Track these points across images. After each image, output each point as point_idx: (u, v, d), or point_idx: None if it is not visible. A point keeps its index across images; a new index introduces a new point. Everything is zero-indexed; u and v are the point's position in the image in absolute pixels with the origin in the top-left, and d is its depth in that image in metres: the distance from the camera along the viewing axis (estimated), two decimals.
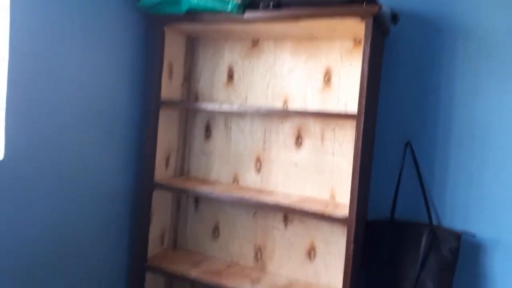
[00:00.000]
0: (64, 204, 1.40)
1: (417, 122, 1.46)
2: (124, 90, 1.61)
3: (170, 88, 1.73)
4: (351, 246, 1.28)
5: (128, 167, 1.66)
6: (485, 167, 1.37)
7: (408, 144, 1.46)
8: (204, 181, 1.73)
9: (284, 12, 1.36)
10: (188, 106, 1.68)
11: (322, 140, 1.57)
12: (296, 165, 1.62)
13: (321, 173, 1.57)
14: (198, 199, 1.82)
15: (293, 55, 1.62)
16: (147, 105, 1.66)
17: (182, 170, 1.85)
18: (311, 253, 1.58)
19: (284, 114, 1.45)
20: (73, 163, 1.42)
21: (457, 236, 1.33)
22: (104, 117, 1.53)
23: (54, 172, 1.36)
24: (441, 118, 1.43)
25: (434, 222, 1.42)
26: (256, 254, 1.69)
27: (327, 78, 1.56)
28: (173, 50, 1.73)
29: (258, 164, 1.69)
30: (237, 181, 1.73)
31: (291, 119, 1.62)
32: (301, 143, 1.61)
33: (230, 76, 1.75)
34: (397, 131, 1.49)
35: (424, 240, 1.36)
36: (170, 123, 1.77)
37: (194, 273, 1.56)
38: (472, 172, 1.39)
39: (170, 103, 1.66)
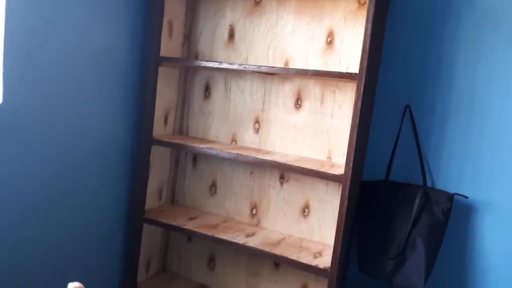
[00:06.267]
0: (63, 154, 1.41)
1: (417, 86, 1.47)
2: (123, 46, 1.60)
3: (169, 46, 1.71)
4: (345, 204, 1.32)
5: (127, 122, 1.67)
6: (482, 133, 1.39)
7: (407, 107, 1.47)
8: (203, 140, 1.74)
9: None
10: (188, 64, 1.67)
11: (321, 102, 1.58)
12: (294, 126, 1.63)
13: (319, 135, 1.59)
14: (196, 157, 1.84)
15: (296, 16, 1.60)
16: (146, 62, 1.65)
17: (181, 129, 1.86)
18: (305, 211, 1.62)
19: (285, 72, 1.44)
20: (72, 115, 1.42)
21: (450, 197, 1.37)
22: (103, 72, 1.52)
23: (53, 123, 1.36)
24: (441, 83, 1.44)
25: (429, 184, 1.45)
26: (251, 210, 1.73)
27: (330, 39, 1.55)
28: (173, 8, 1.70)
29: (257, 124, 1.70)
30: (236, 141, 1.75)
31: (291, 80, 1.62)
32: (300, 105, 1.62)
33: (231, 36, 1.73)
34: (397, 94, 1.49)
35: (417, 201, 1.39)
36: (169, 82, 1.77)
37: (190, 225, 1.60)
38: (469, 137, 1.41)
39: (169, 60, 1.65)
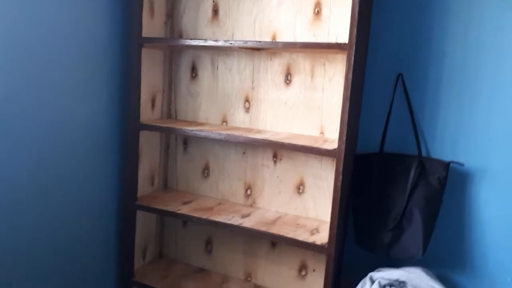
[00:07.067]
0: (47, 145, 1.37)
1: (409, 54, 1.43)
2: (103, 28, 1.53)
3: (152, 26, 1.65)
4: (340, 178, 1.29)
5: (113, 108, 1.62)
6: (476, 99, 1.36)
7: (399, 76, 1.44)
8: (192, 123, 1.70)
9: None
10: (171, 43, 1.61)
11: (311, 76, 1.53)
12: (285, 103, 1.59)
13: (310, 110, 1.55)
14: (186, 140, 1.80)
15: None
16: (128, 44, 1.59)
17: (169, 112, 1.81)
18: (300, 188, 1.59)
19: (273, 46, 1.39)
20: (52, 102, 1.37)
21: (446, 166, 1.35)
22: (83, 57, 1.46)
23: (34, 111, 1.31)
24: (433, 49, 1.40)
25: (424, 154, 1.43)
26: (246, 191, 1.70)
27: (317, 10, 1.50)
28: None
29: (247, 103, 1.66)
30: (226, 122, 1.70)
31: (280, 55, 1.57)
32: (290, 81, 1.57)
33: (215, 12, 1.67)
34: (388, 63, 1.45)
35: (412, 171, 1.37)
36: (154, 63, 1.71)
37: (185, 210, 1.57)
38: (462, 104, 1.38)
39: (152, 41, 1.59)
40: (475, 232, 1.40)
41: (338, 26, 1.46)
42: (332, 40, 1.47)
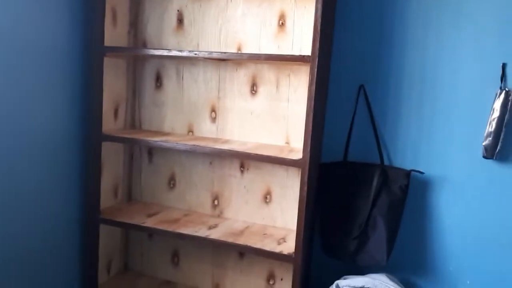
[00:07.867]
0: (5, 155, 1.30)
1: (370, 65, 1.47)
2: (64, 37, 1.48)
3: (114, 35, 1.61)
4: (305, 188, 1.30)
5: (74, 118, 1.56)
6: (435, 108, 1.42)
7: (361, 87, 1.47)
8: (157, 133, 1.67)
9: None
10: (135, 52, 1.57)
11: (277, 87, 1.55)
12: (251, 113, 1.59)
13: (276, 120, 1.56)
14: (151, 151, 1.76)
15: None
16: (90, 53, 1.54)
17: (133, 123, 1.77)
18: (267, 197, 1.60)
19: (238, 57, 1.40)
20: (12, 112, 1.31)
21: (407, 174, 1.39)
22: (43, 66, 1.41)
23: None
24: (393, 61, 1.45)
25: (386, 162, 1.47)
26: (213, 202, 1.68)
27: (282, 22, 1.51)
28: None
29: (213, 113, 1.65)
30: (192, 132, 1.69)
31: (246, 65, 1.58)
32: (256, 91, 1.58)
33: (180, 21, 1.65)
34: (350, 74, 1.49)
35: (375, 179, 1.41)
36: (117, 73, 1.67)
37: (150, 222, 1.54)
38: (423, 114, 1.43)
39: (115, 50, 1.55)
40: (436, 237, 1.45)
41: (302, 38, 1.48)
42: (296, 51, 1.49)
